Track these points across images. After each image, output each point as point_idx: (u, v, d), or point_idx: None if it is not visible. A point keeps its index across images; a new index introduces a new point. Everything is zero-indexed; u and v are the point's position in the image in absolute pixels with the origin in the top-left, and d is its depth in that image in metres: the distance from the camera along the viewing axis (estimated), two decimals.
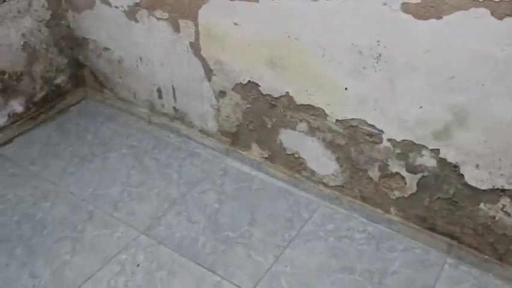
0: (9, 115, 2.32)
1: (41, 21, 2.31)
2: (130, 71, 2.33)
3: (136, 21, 2.11)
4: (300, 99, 1.77)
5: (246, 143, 2.08)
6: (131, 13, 2.10)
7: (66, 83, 2.54)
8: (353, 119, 1.67)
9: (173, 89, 2.20)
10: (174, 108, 2.27)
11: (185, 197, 1.97)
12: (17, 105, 2.34)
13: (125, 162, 2.17)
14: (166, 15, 1.97)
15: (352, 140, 1.72)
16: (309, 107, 1.76)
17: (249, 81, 1.87)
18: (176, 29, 1.98)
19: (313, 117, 1.77)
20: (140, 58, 2.22)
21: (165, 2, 1.93)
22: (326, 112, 1.72)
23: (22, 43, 2.26)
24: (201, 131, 2.24)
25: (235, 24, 1.77)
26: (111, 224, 1.86)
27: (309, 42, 1.62)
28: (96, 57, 2.44)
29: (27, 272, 1.68)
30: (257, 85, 1.86)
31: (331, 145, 1.79)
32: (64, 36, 2.44)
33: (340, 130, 1.73)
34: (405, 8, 1.36)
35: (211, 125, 2.17)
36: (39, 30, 2.31)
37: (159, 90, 2.27)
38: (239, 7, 1.72)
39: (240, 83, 1.91)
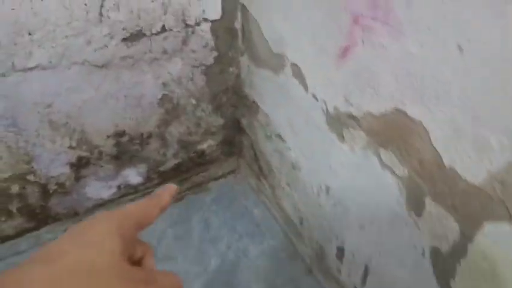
0: (119, 187, 1.56)
1: (197, 67, 1.43)
2: (304, 191, 1.36)
3: (341, 139, 1.10)
4: None
5: None
6: (336, 123, 1.10)
7: (214, 149, 1.69)
8: None
9: (366, 268, 1.18)
10: (355, 287, 1.27)
11: None
12: (133, 175, 1.56)
13: None
14: (400, 168, 0.93)
15: None
16: None
17: None
18: (418, 206, 0.92)
19: None
20: (327, 189, 1.23)
21: (411, 149, 0.88)
22: None
23: (160, 96, 1.42)
24: None
25: None
26: None
27: None
28: (264, 137, 1.52)
29: None
30: None
31: None
32: (229, 88, 1.55)
33: None
34: None
35: None
36: (191, 79, 1.45)
37: (340, 249, 1.27)
38: None
39: None
